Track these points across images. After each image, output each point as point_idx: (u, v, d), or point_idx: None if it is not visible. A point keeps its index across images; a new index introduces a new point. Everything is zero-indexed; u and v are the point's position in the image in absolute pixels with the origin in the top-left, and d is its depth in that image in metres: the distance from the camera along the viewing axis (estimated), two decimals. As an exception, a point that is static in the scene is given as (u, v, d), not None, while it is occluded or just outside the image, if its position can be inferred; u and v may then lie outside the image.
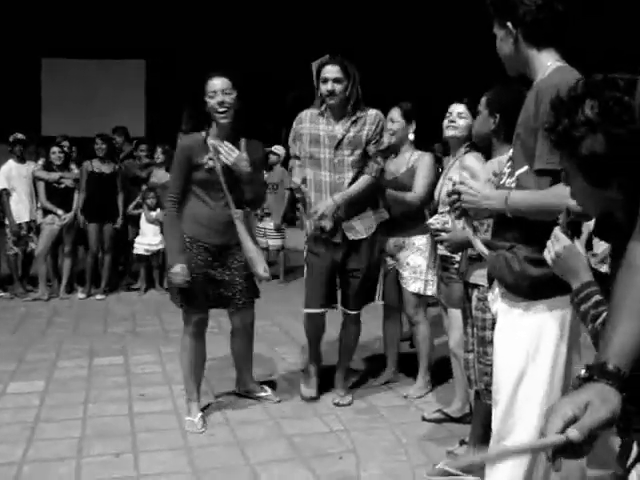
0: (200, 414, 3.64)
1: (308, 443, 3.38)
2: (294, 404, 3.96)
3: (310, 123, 3.85)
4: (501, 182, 2.19)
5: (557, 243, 1.62)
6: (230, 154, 3.42)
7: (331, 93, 3.69)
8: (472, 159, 3.37)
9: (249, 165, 3.48)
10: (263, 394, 4.01)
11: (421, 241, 4.08)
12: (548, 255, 1.65)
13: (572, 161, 1.37)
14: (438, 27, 12.31)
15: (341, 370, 4.10)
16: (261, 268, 3.59)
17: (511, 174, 2.11)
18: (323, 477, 3.03)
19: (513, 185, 2.07)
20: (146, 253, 7.34)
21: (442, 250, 3.44)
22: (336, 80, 3.69)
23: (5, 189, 6.97)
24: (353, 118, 3.76)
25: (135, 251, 7.45)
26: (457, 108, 3.65)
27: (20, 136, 7.17)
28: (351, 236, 3.82)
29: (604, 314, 1.39)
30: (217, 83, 3.45)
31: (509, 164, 2.17)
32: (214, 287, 3.63)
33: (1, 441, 3.38)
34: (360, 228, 3.85)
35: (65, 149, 7.31)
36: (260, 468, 3.11)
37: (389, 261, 4.22)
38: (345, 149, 3.75)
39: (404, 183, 4.11)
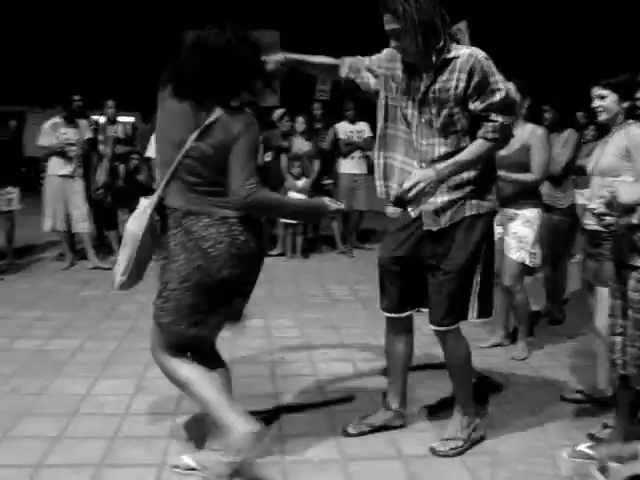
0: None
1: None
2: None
3: (400, 63, 2.89)
4: None
5: None
6: None
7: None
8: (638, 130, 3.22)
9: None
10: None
11: (531, 214, 4.16)
12: None
13: None
14: None
15: (457, 407, 3.12)
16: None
17: None
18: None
19: None
20: (293, 221, 7.59)
21: (592, 225, 3.32)
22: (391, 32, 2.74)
23: (154, 157, 7.43)
24: (438, 61, 2.72)
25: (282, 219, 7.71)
26: (596, 91, 3.53)
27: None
28: (426, 225, 2.89)
29: None
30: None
31: None
32: None
33: (153, 392, 3.65)
34: (440, 215, 2.85)
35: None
36: (398, 434, 3.18)
37: (497, 230, 4.19)
38: (432, 106, 2.79)
39: (518, 161, 4.09)
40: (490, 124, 2.75)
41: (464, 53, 2.71)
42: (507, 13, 11.54)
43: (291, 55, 2.93)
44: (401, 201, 2.83)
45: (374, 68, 3.03)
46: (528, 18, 11.17)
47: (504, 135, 2.80)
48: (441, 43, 2.69)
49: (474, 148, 2.77)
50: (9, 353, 4.28)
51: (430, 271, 2.92)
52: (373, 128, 8.39)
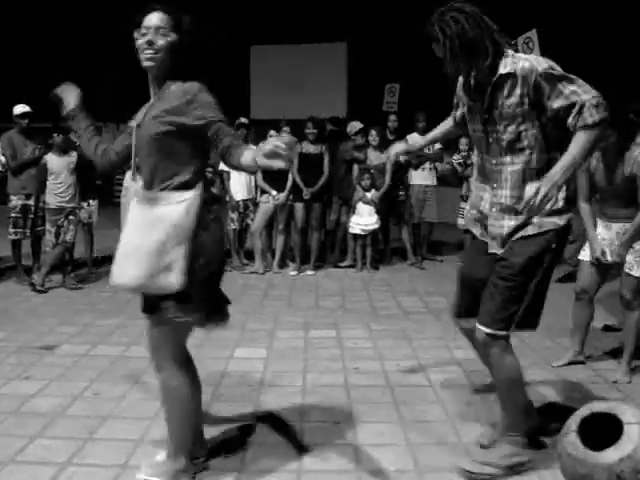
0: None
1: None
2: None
3: (462, 85, 2.90)
4: None
5: None
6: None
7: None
8: None
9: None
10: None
11: None
12: None
13: None
14: None
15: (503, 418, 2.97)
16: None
17: None
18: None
19: None
20: (362, 233, 7.68)
21: None
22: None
23: (226, 171, 7.57)
24: (494, 78, 2.64)
25: (351, 230, 7.80)
26: None
27: (244, 120, 7.77)
28: (491, 248, 2.85)
29: None
30: (151, 18, 2.52)
31: None
32: None
33: (232, 400, 3.70)
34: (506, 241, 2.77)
35: (285, 134, 7.76)
36: (473, 448, 3.14)
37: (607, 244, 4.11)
38: (498, 124, 2.69)
39: (623, 193, 3.98)
40: (585, 112, 2.49)
41: (523, 68, 2.58)
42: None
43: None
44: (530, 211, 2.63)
45: (456, 100, 3.06)
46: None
47: (602, 115, 2.50)
48: (488, 61, 2.61)
49: (578, 141, 2.52)
50: (92, 359, 4.44)
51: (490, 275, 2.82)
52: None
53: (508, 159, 2.72)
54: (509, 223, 2.77)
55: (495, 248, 2.82)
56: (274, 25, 15.24)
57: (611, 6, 11.24)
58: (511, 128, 2.66)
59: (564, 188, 2.68)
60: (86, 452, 3.06)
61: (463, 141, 7.96)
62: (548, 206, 2.58)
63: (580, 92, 2.53)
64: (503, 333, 2.78)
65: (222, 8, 14.36)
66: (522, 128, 2.66)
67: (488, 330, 2.77)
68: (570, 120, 2.55)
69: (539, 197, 2.50)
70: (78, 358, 4.44)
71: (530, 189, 2.58)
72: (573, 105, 2.52)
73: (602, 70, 10.95)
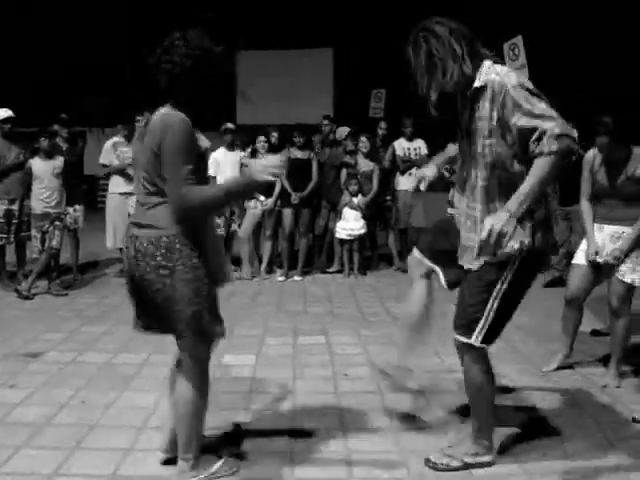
0: (220, 461, 2.92)
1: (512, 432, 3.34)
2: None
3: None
4: None
5: None
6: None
7: None
8: None
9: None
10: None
11: None
12: None
13: None
14: None
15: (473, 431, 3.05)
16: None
17: None
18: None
19: None
20: (348, 238, 7.68)
21: None
22: None
23: (213, 176, 7.53)
24: (470, 91, 2.69)
25: (337, 235, 7.80)
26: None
27: (230, 125, 7.73)
28: (461, 260, 2.90)
29: None
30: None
31: None
32: None
33: (223, 408, 3.66)
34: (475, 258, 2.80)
35: (273, 139, 7.75)
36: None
37: (608, 247, 4.06)
38: (472, 136, 2.73)
39: (630, 193, 3.98)
40: (542, 136, 2.50)
41: (494, 81, 2.62)
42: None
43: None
44: (487, 250, 2.68)
45: None
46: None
47: (563, 146, 2.48)
48: (452, 77, 2.65)
49: (535, 170, 2.54)
50: (78, 366, 4.38)
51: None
52: (430, 145, 8.45)
53: (478, 173, 2.74)
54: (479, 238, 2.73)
55: (465, 262, 2.85)
56: (260, 31, 15.26)
57: (599, 12, 11.33)
58: (480, 141, 2.70)
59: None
60: (73, 462, 3.01)
61: (450, 147, 7.95)
62: (506, 241, 2.57)
63: (546, 116, 2.52)
64: (466, 340, 2.83)
65: (208, 13, 14.37)
66: (486, 142, 2.68)
67: (456, 336, 2.88)
68: (530, 144, 2.55)
69: (493, 236, 2.53)
70: (64, 365, 4.39)
71: (485, 226, 2.56)
72: (535, 129, 2.52)
73: (588, 76, 11.05)
